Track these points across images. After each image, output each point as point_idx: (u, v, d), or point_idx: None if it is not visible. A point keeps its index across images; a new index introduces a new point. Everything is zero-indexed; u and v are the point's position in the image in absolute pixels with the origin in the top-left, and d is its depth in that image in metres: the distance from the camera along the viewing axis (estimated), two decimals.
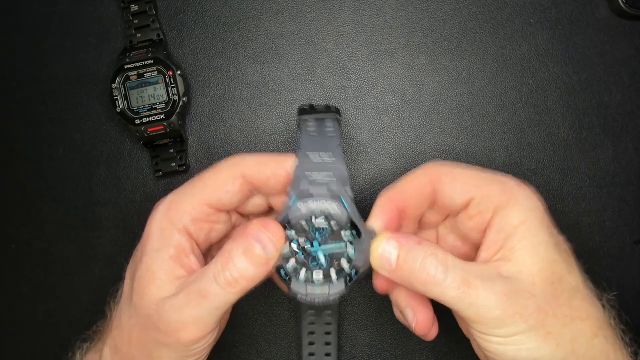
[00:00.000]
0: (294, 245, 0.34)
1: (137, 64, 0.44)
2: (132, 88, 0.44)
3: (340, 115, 0.40)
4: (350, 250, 0.34)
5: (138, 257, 0.35)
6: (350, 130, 0.45)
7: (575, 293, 0.33)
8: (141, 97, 0.44)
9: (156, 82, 0.44)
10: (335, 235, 0.34)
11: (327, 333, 0.41)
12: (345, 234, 0.34)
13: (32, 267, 0.46)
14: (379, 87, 0.45)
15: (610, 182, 0.44)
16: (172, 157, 0.45)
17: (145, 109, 0.44)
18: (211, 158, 0.46)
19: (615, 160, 0.44)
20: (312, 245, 0.34)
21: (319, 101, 0.45)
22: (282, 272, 0.34)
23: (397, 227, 0.35)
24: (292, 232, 0.34)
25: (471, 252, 0.38)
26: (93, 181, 0.46)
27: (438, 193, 0.35)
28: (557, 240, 0.34)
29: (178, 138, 0.45)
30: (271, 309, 0.45)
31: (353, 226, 0.34)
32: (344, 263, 0.34)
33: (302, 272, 0.34)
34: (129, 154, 0.46)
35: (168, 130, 0.44)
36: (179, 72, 0.44)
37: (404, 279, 0.33)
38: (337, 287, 0.34)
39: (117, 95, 0.44)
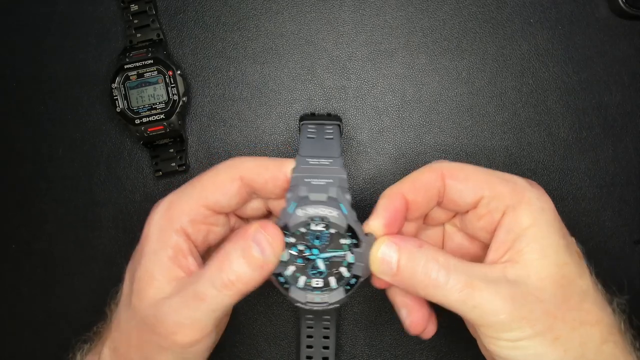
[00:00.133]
0: (293, 252, 0.34)
1: (137, 64, 0.44)
2: (132, 88, 0.44)
3: (341, 122, 0.40)
4: (349, 257, 0.34)
5: (137, 259, 0.35)
6: (350, 130, 0.45)
7: (585, 297, 0.32)
8: (141, 97, 0.44)
9: (156, 82, 0.44)
10: (334, 242, 0.34)
11: (326, 337, 0.40)
12: (345, 241, 0.34)
13: (32, 267, 0.46)
14: (379, 87, 0.45)
15: (610, 182, 0.44)
16: (172, 157, 0.45)
17: (145, 109, 0.44)
18: (211, 158, 0.46)
19: (615, 160, 0.44)
20: (311, 252, 0.34)
21: (319, 102, 0.45)
22: (281, 279, 0.34)
23: (400, 225, 0.35)
24: (291, 239, 0.34)
25: (479, 252, 0.37)
26: (93, 181, 0.46)
27: (448, 190, 0.35)
28: (568, 242, 0.33)
29: (178, 138, 0.45)
30: (271, 309, 0.45)
31: (352, 233, 0.33)
32: (344, 270, 0.34)
33: (302, 280, 0.34)
34: (129, 154, 0.46)
35: (168, 130, 0.44)
36: (179, 72, 0.44)
37: (405, 284, 0.33)
38: (337, 295, 0.34)
39: (117, 95, 0.44)
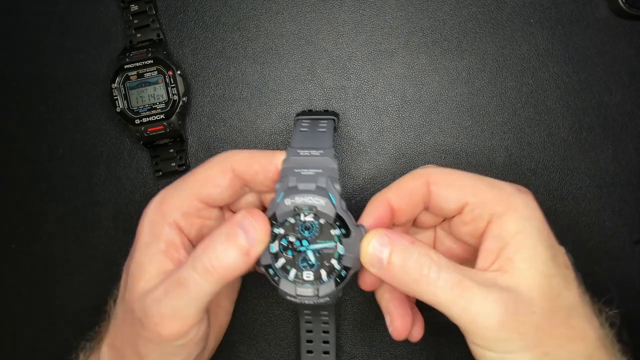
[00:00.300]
0: (283, 243, 0.34)
1: (137, 64, 0.44)
2: (132, 88, 0.44)
3: (338, 118, 0.40)
4: (340, 249, 0.33)
5: (132, 253, 0.35)
6: (350, 130, 0.45)
7: (572, 311, 0.32)
8: (141, 97, 0.44)
9: (156, 82, 0.44)
10: (324, 234, 0.33)
11: (325, 332, 0.40)
12: (335, 231, 0.33)
13: (32, 267, 0.46)
14: (379, 87, 0.45)
15: (610, 182, 0.44)
16: (172, 157, 0.45)
17: (145, 109, 0.44)
18: (211, 158, 0.46)
19: (615, 160, 0.44)
20: (301, 243, 0.34)
21: (318, 102, 0.45)
22: (271, 272, 0.34)
23: (388, 226, 0.35)
24: (281, 230, 0.33)
25: (469, 257, 0.37)
26: (93, 181, 0.46)
27: (433, 196, 0.35)
28: (555, 252, 0.32)
29: (178, 138, 0.45)
30: (271, 309, 0.45)
31: (342, 223, 0.33)
32: (335, 262, 0.34)
33: (292, 272, 0.34)
34: (129, 154, 0.46)
35: (168, 130, 0.44)
36: (179, 72, 0.44)
37: (395, 278, 0.32)
38: (328, 288, 0.34)
39: (117, 95, 0.44)
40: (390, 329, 0.36)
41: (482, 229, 0.33)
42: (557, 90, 0.44)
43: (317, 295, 0.34)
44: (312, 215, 0.33)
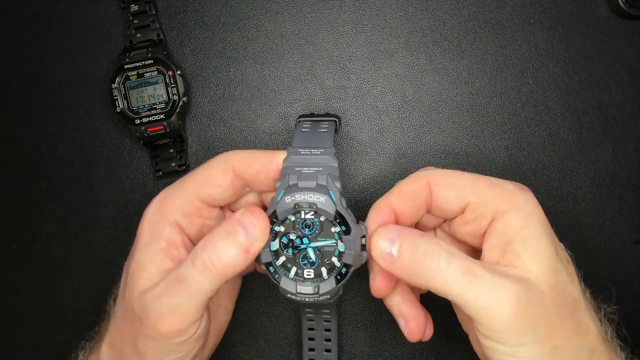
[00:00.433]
0: (284, 241, 0.34)
1: (137, 64, 0.44)
2: (132, 88, 0.44)
3: (339, 120, 0.40)
4: (340, 246, 0.33)
5: (132, 252, 0.35)
6: (350, 130, 0.45)
7: (577, 305, 0.32)
8: (141, 97, 0.44)
9: (156, 82, 0.44)
10: (325, 231, 0.34)
11: (327, 330, 0.41)
12: (335, 228, 0.33)
13: (32, 267, 0.46)
14: (379, 87, 0.45)
15: (610, 182, 0.44)
16: (172, 157, 0.45)
17: (145, 109, 0.44)
18: (211, 158, 0.46)
19: (615, 160, 0.44)
20: (301, 241, 0.34)
21: (318, 102, 0.45)
22: (272, 270, 0.34)
23: None
24: (281, 227, 0.34)
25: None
26: (93, 181, 0.46)
27: (434, 197, 0.35)
28: (558, 248, 0.33)
29: (178, 138, 0.45)
30: (271, 309, 0.45)
31: (342, 220, 0.33)
32: (335, 260, 0.34)
33: (293, 270, 0.34)
34: (129, 154, 0.46)
35: (168, 130, 0.44)
36: (179, 72, 0.44)
37: (406, 270, 0.32)
38: (328, 286, 0.34)
39: (117, 95, 0.44)
40: (406, 332, 0.35)
41: (484, 228, 0.33)
42: (557, 90, 0.44)
43: (318, 293, 0.34)
44: (312, 212, 0.33)
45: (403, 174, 0.36)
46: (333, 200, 0.33)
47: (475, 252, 0.35)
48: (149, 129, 0.44)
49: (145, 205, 0.36)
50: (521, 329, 0.29)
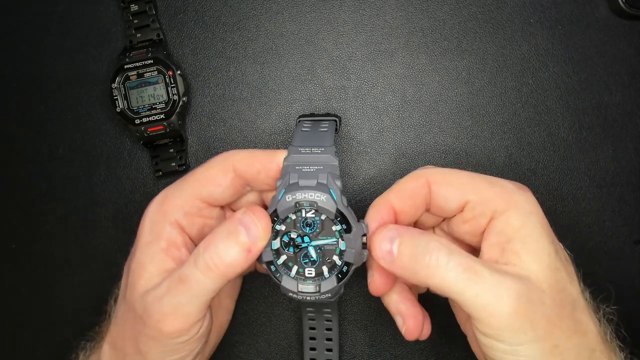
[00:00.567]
0: (285, 240, 0.34)
1: (137, 64, 0.44)
2: (132, 88, 0.44)
3: (339, 119, 0.40)
4: (341, 244, 0.33)
5: (132, 252, 0.35)
6: (350, 130, 0.45)
7: (576, 305, 0.32)
8: (141, 97, 0.44)
9: (156, 82, 0.44)
10: (326, 230, 0.34)
11: (328, 329, 0.41)
12: (336, 227, 0.33)
13: (32, 267, 0.46)
14: (379, 87, 0.45)
15: (610, 182, 0.44)
16: (172, 157, 0.45)
17: (145, 109, 0.44)
18: (211, 158, 0.46)
19: (615, 160, 0.44)
20: (302, 240, 0.34)
21: (318, 102, 0.45)
22: (273, 269, 0.34)
23: None
24: (282, 226, 0.34)
25: None
26: (93, 181, 0.46)
27: (433, 196, 0.35)
28: (557, 247, 0.33)
29: (178, 138, 0.45)
30: (271, 309, 0.45)
31: (343, 219, 0.33)
32: (336, 259, 0.34)
33: (294, 269, 0.34)
34: (129, 154, 0.46)
35: (168, 130, 0.44)
36: (179, 72, 0.44)
37: (405, 268, 0.32)
38: (329, 284, 0.34)
39: (117, 95, 0.44)
40: (403, 330, 0.35)
41: (483, 226, 0.33)
42: (557, 90, 0.44)
43: (319, 292, 0.34)
44: (313, 211, 0.33)
45: (403, 174, 0.36)
46: (334, 199, 0.33)
47: (474, 252, 0.35)
48: (149, 129, 0.44)
49: (145, 205, 0.36)
50: (521, 327, 0.29)
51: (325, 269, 0.34)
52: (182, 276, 0.32)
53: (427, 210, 0.36)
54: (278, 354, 0.45)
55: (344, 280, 0.34)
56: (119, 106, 0.44)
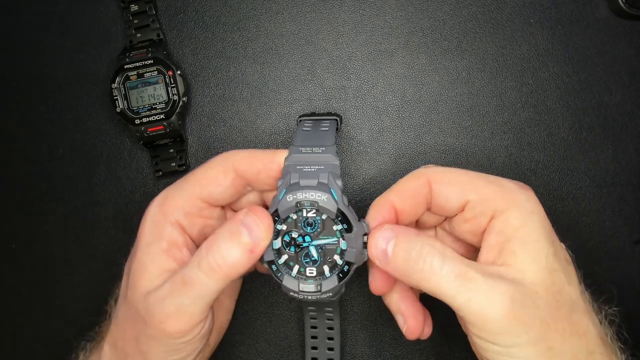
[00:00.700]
0: (286, 240, 0.34)
1: (137, 64, 0.44)
2: (132, 88, 0.44)
3: (340, 119, 0.40)
4: (342, 244, 0.33)
5: (133, 253, 0.35)
6: (350, 130, 0.45)
7: (574, 306, 0.32)
8: (141, 97, 0.44)
9: (156, 82, 0.44)
10: (327, 229, 0.34)
11: (330, 329, 0.41)
12: (337, 226, 0.33)
13: (32, 267, 0.46)
14: (379, 87, 0.45)
15: (610, 182, 0.44)
16: (172, 157, 0.45)
17: (145, 109, 0.44)
18: (211, 158, 0.46)
19: (615, 160, 0.44)
20: (303, 239, 0.34)
21: (318, 102, 0.45)
22: (274, 268, 0.34)
23: None
24: (283, 226, 0.34)
25: (470, 257, 0.37)
26: (93, 181, 0.46)
27: (434, 195, 0.35)
28: (557, 248, 0.33)
29: (178, 138, 0.45)
30: (271, 309, 0.45)
31: (344, 218, 0.33)
32: (337, 258, 0.34)
33: (295, 268, 0.34)
34: (129, 154, 0.46)
35: (168, 130, 0.44)
36: (179, 72, 0.44)
37: (400, 270, 0.32)
38: (331, 283, 0.34)
39: (117, 95, 0.44)
40: (404, 329, 0.36)
41: (484, 225, 0.33)
42: (557, 90, 0.44)
43: (320, 291, 0.34)
44: (314, 211, 0.33)
45: (403, 174, 0.36)
46: (334, 198, 0.33)
47: (475, 251, 0.35)
48: (149, 129, 0.44)
49: (146, 205, 0.36)
50: (514, 330, 0.30)
51: (326, 268, 0.34)
52: (185, 278, 0.32)
53: (428, 209, 0.36)
54: (278, 354, 0.45)
55: (345, 280, 0.34)
56: (119, 106, 0.44)
